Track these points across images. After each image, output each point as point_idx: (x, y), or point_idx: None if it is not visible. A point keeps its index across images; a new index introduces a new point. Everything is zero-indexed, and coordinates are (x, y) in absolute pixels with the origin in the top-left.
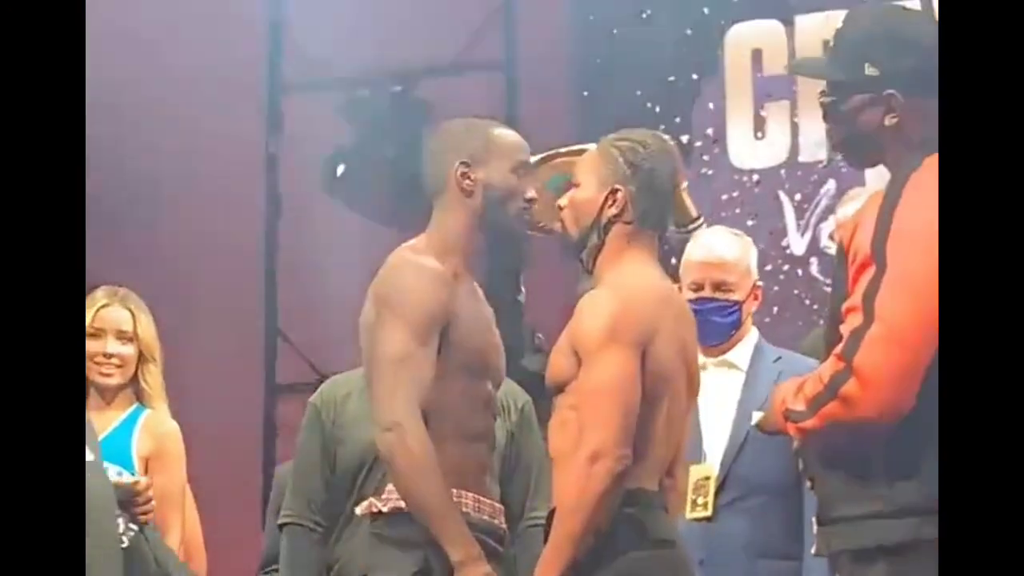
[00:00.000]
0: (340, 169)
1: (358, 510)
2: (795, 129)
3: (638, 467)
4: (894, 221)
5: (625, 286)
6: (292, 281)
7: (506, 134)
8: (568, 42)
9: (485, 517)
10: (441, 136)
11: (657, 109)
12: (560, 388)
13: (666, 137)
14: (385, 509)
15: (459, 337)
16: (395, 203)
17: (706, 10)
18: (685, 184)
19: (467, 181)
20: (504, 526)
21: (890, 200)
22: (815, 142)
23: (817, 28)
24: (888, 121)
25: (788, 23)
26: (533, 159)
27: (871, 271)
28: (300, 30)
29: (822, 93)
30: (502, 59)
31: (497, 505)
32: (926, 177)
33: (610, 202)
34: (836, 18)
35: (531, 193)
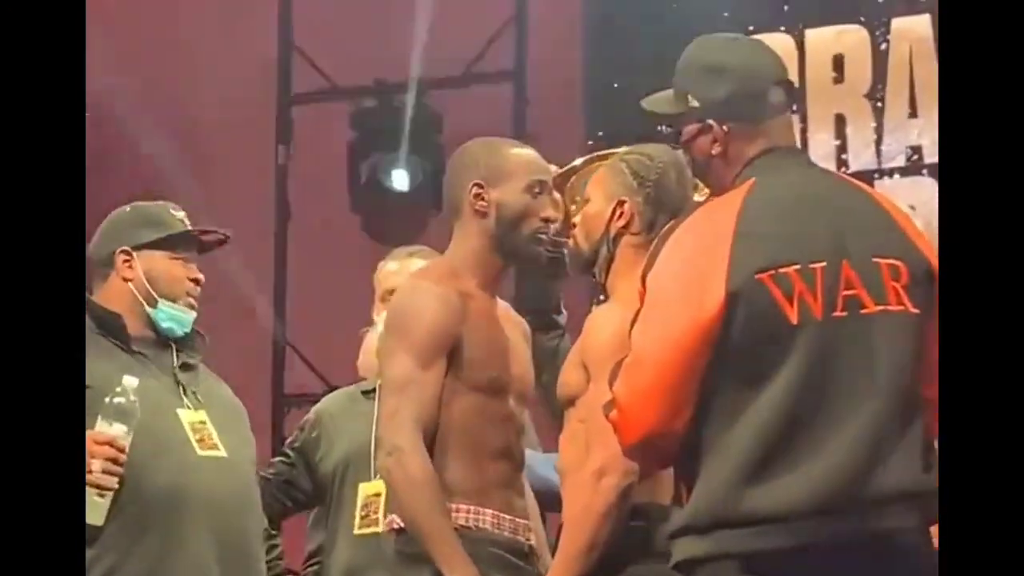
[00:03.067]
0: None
1: (368, 529)
2: (805, 144)
3: (649, 480)
4: (661, 252)
5: (634, 299)
6: (301, 292)
7: (522, 153)
8: (579, 53)
9: (506, 534)
10: (457, 158)
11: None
12: (570, 402)
13: (676, 150)
14: (405, 526)
15: (470, 357)
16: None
17: (725, 13)
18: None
19: (480, 202)
20: (530, 542)
21: (668, 231)
22: (822, 156)
23: (828, 43)
24: (715, 150)
25: (799, 37)
26: (561, 169)
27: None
28: (310, 41)
29: (665, 125)
30: (513, 69)
31: (520, 521)
32: (703, 209)
33: (617, 214)
34: (848, 33)
35: (548, 212)
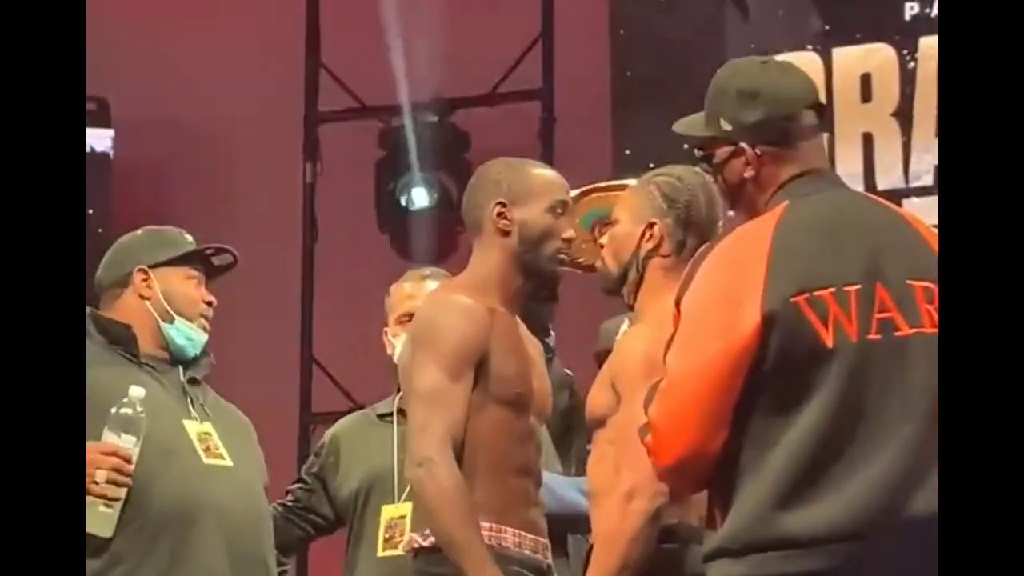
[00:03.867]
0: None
1: (390, 552)
2: (832, 163)
3: (679, 504)
4: (696, 275)
5: (664, 322)
6: (328, 310)
7: (544, 173)
8: (607, 70)
9: (527, 552)
10: (480, 177)
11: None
12: (599, 423)
13: (705, 172)
14: (426, 544)
15: (496, 371)
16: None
17: (752, 45)
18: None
19: (503, 221)
20: (549, 561)
21: (702, 255)
22: (849, 175)
23: (855, 62)
24: (747, 173)
25: (826, 57)
26: (573, 193)
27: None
28: (337, 60)
29: (696, 148)
30: (539, 89)
31: (540, 540)
32: (736, 232)
33: (647, 236)
34: (875, 52)
35: (569, 232)
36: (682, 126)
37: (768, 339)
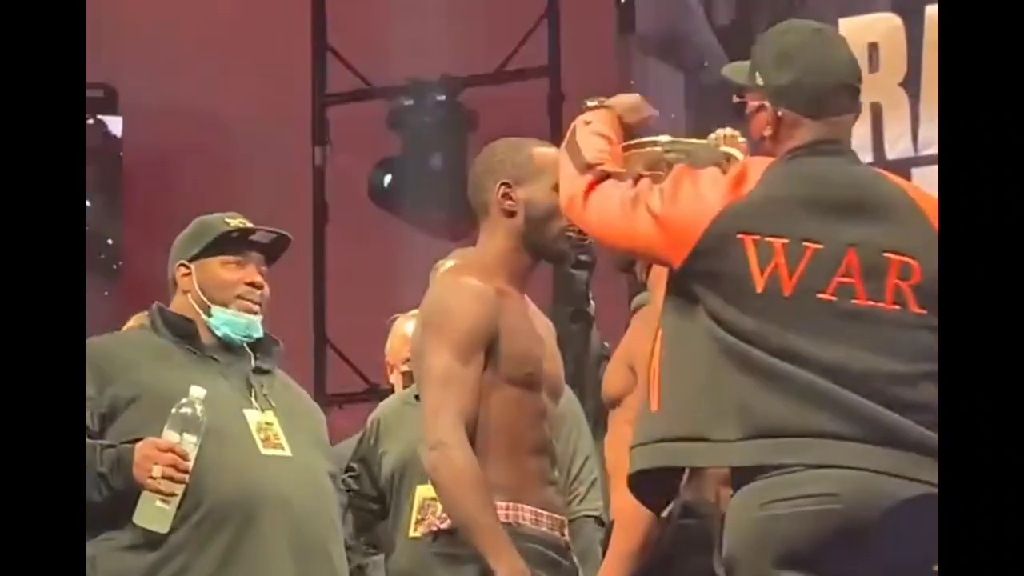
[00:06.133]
0: (387, 179)
1: (419, 531)
2: None
3: (696, 478)
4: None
5: None
6: (340, 291)
7: (548, 152)
8: (613, 45)
9: (544, 530)
10: (484, 157)
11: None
12: (616, 402)
13: (719, 146)
14: (444, 526)
15: (507, 352)
16: (444, 213)
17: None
18: None
19: (508, 201)
20: (566, 538)
21: None
22: (858, 146)
23: (861, 32)
24: (766, 131)
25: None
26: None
27: None
28: (344, 41)
29: (735, 95)
30: (547, 66)
31: (558, 517)
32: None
33: None
34: (882, 21)
35: None
36: (728, 69)
37: (700, 258)
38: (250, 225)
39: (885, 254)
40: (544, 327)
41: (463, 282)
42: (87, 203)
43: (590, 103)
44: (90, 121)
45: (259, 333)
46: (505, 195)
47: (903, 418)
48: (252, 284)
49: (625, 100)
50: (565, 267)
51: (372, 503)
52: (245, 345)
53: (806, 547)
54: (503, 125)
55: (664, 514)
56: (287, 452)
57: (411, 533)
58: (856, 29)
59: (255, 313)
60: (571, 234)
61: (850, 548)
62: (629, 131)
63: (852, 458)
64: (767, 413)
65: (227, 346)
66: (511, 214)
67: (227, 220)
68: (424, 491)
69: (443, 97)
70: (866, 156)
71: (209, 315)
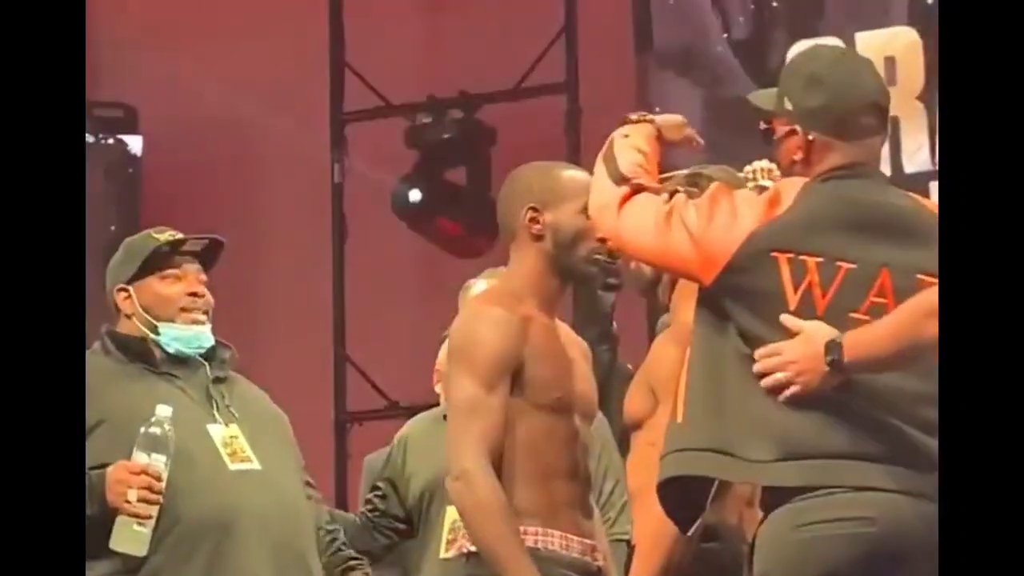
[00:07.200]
0: (412, 194)
1: (450, 553)
2: None
3: (719, 501)
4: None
5: None
6: (360, 309)
7: (575, 175)
8: (631, 60)
9: (575, 555)
10: (510, 182)
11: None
12: (637, 424)
13: (733, 170)
14: (475, 548)
15: (534, 378)
16: (464, 230)
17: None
18: None
19: (536, 226)
20: (598, 562)
21: None
22: None
23: (879, 45)
24: (797, 156)
25: (849, 40)
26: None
27: None
28: (362, 58)
29: (762, 121)
30: (564, 82)
31: (588, 542)
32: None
33: None
34: (899, 35)
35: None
36: (755, 97)
37: (733, 276)
38: (180, 236)
39: (918, 275)
40: (577, 349)
41: (488, 311)
42: (111, 227)
43: (632, 117)
44: (110, 141)
45: (210, 342)
46: (532, 219)
47: (933, 439)
48: (194, 294)
49: (668, 117)
50: (594, 289)
51: (399, 523)
52: (198, 356)
53: (843, 570)
54: (521, 142)
55: (689, 533)
56: (256, 465)
57: (442, 554)
58: (874, 43)
59: (202, 323)
60: (599, 256)
61: (885, 571)
62: (667, 148)
63: (886, 480)
64: (798, 433)
65: (181, 360)
66: (539, 238)
67: (155, 235)
68: (455, 512)
69: (461, 114)
70: (884, 169)
71: (157, 333)
